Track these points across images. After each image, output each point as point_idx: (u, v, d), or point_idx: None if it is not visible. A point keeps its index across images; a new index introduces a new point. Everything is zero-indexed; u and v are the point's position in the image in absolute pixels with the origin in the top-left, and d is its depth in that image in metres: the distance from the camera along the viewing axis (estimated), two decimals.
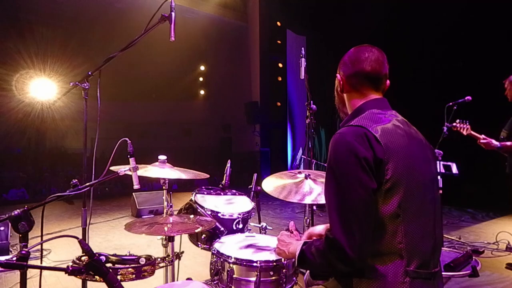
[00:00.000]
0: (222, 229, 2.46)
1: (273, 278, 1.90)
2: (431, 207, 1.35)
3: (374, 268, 1.26)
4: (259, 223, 2.51)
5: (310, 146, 3.36)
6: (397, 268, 1.24)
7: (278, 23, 12.22)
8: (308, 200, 2.15)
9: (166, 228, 2.10)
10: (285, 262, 1.92)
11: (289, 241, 1.61)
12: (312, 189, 2.21)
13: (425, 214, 1.32)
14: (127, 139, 1.90)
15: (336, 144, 1.31)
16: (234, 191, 2.90)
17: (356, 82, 1.48)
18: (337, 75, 1.56)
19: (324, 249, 1.29)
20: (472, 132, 4.05)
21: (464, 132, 4.10)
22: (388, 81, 1.53)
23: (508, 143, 3.91)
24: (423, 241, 1.29)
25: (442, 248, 1.49)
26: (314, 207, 3.40)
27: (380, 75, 1.48)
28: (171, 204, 2.37)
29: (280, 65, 12.50)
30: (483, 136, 3.99)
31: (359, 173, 1.24)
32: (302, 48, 3.34)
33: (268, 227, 2.49)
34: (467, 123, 4.12)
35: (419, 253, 1.26)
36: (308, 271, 1.68)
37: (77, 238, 1.35)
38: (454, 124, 4.17)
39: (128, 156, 1.92)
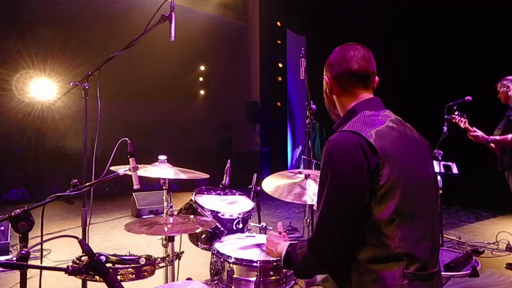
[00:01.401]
0: (222, 229, 2.46)
1: (273, 278, 1.90)
2: (428, 208, 1.34)
3: (373, 271, 1.25)
4: (259, 223, 2.51)
5: (310, 146, 3.36)
6: (395, 271, 1.24)
7: (278, 23, 12.22)
8: (307, 200, 2.15)
9: (166, 229, 2.10)
10: None
11: (277, 241, 1.68)
12: (312, 189, 2.21)
13: (423, 216, 1.31)
14: (127, 139, 1.90)
15: (329, 152, 1.29)
16: (234, 191, 2.90)
17: (344, 82, 1.46)
18: (324, 77, 1.53)
19: (306, 252, 1.36)
20: (468, 126, 4.11)
21: (462, 125, 4.16)
22: (377, 78, 1.50)
23: (498, 137, 3.96)
24: (421, 243, 1.27)
25: (442, 248, 1.49)
26: (314, 207, 3.39)
27: (368, 72, 1.45)
28: (171, 204, 2.37)
29: (280, 65, 12.51)
30: (474, 128, 4.07)
31: (350, 184, 1.24)
32: (302, 48, 3.34)
33: (268, 227, 2.49)
34: (465, 117, 4.16)
35: (417, 256, 1.25)
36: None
37: (77, 238, 1.35)
38: (453, 115, 4.20)
39: (128, 156, 1.92)
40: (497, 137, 3.97)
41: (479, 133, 4.02)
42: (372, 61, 1.46)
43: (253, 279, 1.88)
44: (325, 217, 1.29)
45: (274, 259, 1.91)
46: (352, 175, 1.23)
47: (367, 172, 1.23)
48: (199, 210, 2.50)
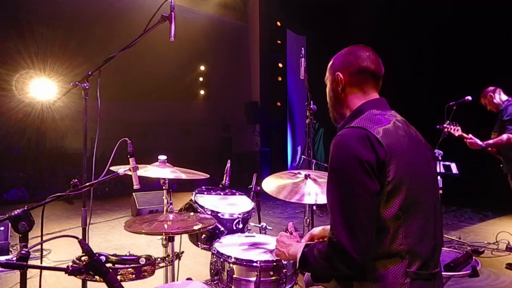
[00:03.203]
0: (222, 229, 2.46)
1: (273, 278, 1.90)
2: (431, 208, 1.35)
3: (375, 269, 1.25)
4: (259, 223, 2.51)
5: (310, 146, 3.36)
6: (397, 269, 1.24)
7: (278, 23, 12.21)
8: (308, 200, 2.15)
9: (166, 226, 2.10)
10: (285, 262, 1.92)
11: (289, 242, 1.59)
12: (312, 189, 2.21)
13: (426, 215, 1.31)
14: (127, 139, 1.90)
15: (338, 147, 1.30)
16: (234, 191, 2.90)
17: (361, 79, 1.48)
18: (338, 73, 1.50)
19: (327, 252, 1.28)
20: (463, 134, 4.12)
21: (456, 134, 4.16)
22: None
23: (491, 141, 3.98)
24: (423, 242, 1.28)
25: (442, 248, 1.49)
26: (314, 207, 3.39)
27: (381, 74, 1.50)
28: (171, 201, 2.37)
29: (280, 65, 12.50)
30: (470, 135, 4.08)
31: (363, 176, 1.23)
32: (302, 48, 3.34)
33: (268, 227, 2.49)
34: (457, 125, 4.17)
35: (419, 255, 1.26)
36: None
37: (77, 238, 1.35)
38: (445, 125, 4.21)
39: (128, 156, 1.92)
40: (491, 141, 4.00)
41: (475, 140, 4.04)
42: (381, 63, 1.51)
43: (253, 279, 1.88)
44: (341, 211, 1.25)
45: (275, 259, 1.91)
46: (362, 165, 1.23)
47: (376, 163, 1.24)
48: (199, 210, 2.51)
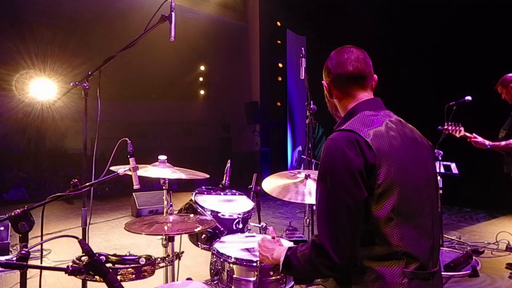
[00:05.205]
0: (222, 229, 2.46)
1: (273, 278, 1.90)
2: (427, 208, 1.34)
3: (372, 270, 1.26)
4: (259, 223, 2.51)
5: (310, 146, 3.36)
6: (395, 269, 1.24)
7: (278, 23, 12.22)
8: (308, 200, 2.15)
9: (166, 228, 2.10)
10: None
11: (272, 246, 1.61)
12: (312, 189, 2.21)
13: (422, 215, 1.31)
14: (127, 139, 1.90)
15: (327, 151, 1.30)
16: (234, 191, 2.90)
17: (341, 85, 1.47)
18: (323, 82, 1.55)
19: (310, 254, 1.31)
20: (466, 134, 4.04)
21: (457, 135, 4.07)
22: (375, 76, 1.51)
23: (503, 142, 3.90)
24: (420, 243, 1.28)
25: (442, 248, 1.49)
26: (314, 207, 3.39)
27: (364, 73, 1.46)
28: (171, 203, 2.37)
29: (280, 65, 12.50)
30: (474, 134, 4.00)
31: (349, 182, 1.23)
32: (302, 48, 3.34)
33: (268, 227, 2.49)
34: (460, 125, 4.10)
35: (416, 255, 1.26)
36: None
37: (77, 238, 1.35)
38: (446, 127, 4.14)
39: (128, 156, 1.92)
40: (502, 143, 3.89)
41: (479, 139, 3.97)
42: (367, 61, 1.47)
43: (253, 279, 1.88)
44: (326, 214, 1.28)
45: None
46: (349, 171, 1.23)
47: (364, 168, 1.24)
48: (199, 210, 2.51)
